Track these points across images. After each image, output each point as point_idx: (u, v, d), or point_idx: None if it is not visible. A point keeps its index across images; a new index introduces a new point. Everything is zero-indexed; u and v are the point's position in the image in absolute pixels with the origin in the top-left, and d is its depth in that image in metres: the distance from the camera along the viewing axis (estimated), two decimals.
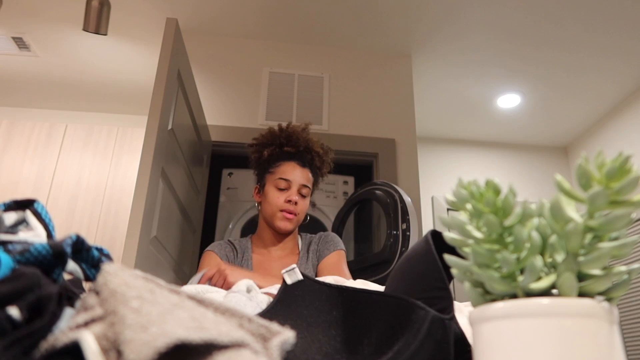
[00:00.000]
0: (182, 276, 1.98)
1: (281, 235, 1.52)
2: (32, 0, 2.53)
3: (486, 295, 0.36)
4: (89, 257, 0.39)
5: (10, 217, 0.39)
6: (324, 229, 2.54)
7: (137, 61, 3.01)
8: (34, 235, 0.39)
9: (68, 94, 3.39)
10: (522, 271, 0.34)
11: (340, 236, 2.32)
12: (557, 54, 2.86)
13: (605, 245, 0.32)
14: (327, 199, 2.60)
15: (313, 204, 1.59)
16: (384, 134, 2.68)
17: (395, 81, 2.85)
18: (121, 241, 2.73)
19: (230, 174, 2.64)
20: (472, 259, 0.36)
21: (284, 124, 1.62)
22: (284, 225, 1.46)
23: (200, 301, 0.32)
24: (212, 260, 1.41)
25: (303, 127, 1.61)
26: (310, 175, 1.54)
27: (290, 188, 1.48)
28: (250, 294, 0.66)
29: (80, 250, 0.38)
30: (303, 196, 1.50)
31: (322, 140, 1.67)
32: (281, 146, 1.56)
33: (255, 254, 1.50)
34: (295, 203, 1.47)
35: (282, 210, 1.46)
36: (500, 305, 0.33)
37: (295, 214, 1.47)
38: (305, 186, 1.50)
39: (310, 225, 2.56)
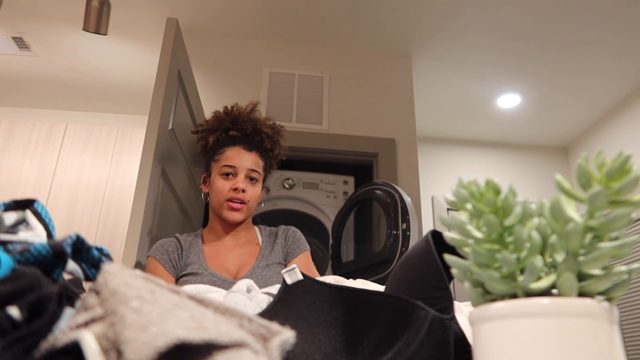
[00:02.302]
0: None
1: (233, 225, 1.41)
2: (32, 0, 2.53)
3: (486, 295, 0.36)
4: (89, 257, 0.39)
5: (10, 217, 0.39)
6: (324, 229, 2.53)
7: (137, 61, 3.00)
8: (34, 235, 0.39)
9: (68, 94, 3.39)
10: (522, 271, 0.34)
11: (340, 236, 2.32)
12: (558, 53, 2.86)
13: (605, 245, 0.32)
14: (327, 199, 2.60)
15: (267, 190, 1.53)
16: (384, 134, 2.68)
17: (395, 81, 2.85)
18: (121, 241, 2.73)
19: None
20: (472, 259, 0.36)
21: (229, 106, 1.51)
22: (232, 216, 1.35)
23: (201, 301, 0.32)
24: (157, 270, 1.30)
25: (250, 108, 1.51)
26: (259, 158, 1.43)
27: (237, 175, 1.37)
28: (250, 294, 0.66)
29: (81, 250, 0.38)
30: (252, 182, 1.39)
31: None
32: (227, 130, 1.45)
33: (207, 246, 1.39)
34: (243, 190, 1.35)
35: (228, 200, 1.35)
36: (500, 305, 0.33)
37: (244, 202, 1.36)
38: (253, 170, 1.39)
39: (311, 225, 2.56)
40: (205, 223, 2.44)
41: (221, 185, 1.36)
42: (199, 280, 1.27)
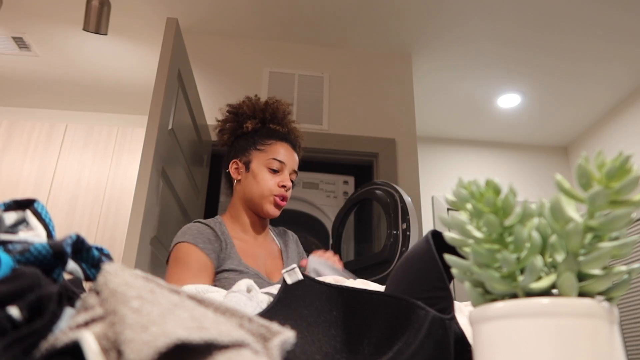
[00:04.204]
0: None
1: (263, 220, 1.37)
2: (32, 0, 2.53)
3: (486, 295, 0.36)
4: (89, 257, 0.39)
5: (11, 217, 0.39)
6: (324, 229, 2.53)
7: (137, 61, 3.00)
8: (34, 235, 0.39)
9: (68, 94, 3.39)
10: (522, 271, 0.34)
11: (340, 236, 2.32)
12: (558, 53, 2.86)
13: (605, 245, 0.32)
14: (327, 199, 2.60)
15: None
16: (384, 134, 2.68)
17: (395, 81, 2.85)
18: (121, 241, 2.73)
19: None
20: (472, 258, 0.36)
21: (270, 99, 1.46)
22: (273, 211, 1.31)
23: (201, 301, 0.32)
24: (200, 260, 1.17)
25: (288, 105, 1.47)
26: (298, 161, 1.41)
27: (283, 171, 1.34)
28: (250, 294, 0.66)
29: (81, 250, 0.38)
30: (291, 183, 1.37)
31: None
32: (265, 122, 1.41)
33: (236, 240, 1.30)
34: (289, 189, 1.33)
35: (275, 195, 1.31)
36: (500, 305, 0.33)
37: (286, 200, 1.33)
38: (295, 172, 1.38)
39: (311, 225, 2.56)
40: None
41: (269, 179, 1.31)
42: (242, 279, 1.21)
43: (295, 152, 1.40)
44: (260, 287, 1.19)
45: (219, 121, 1.47)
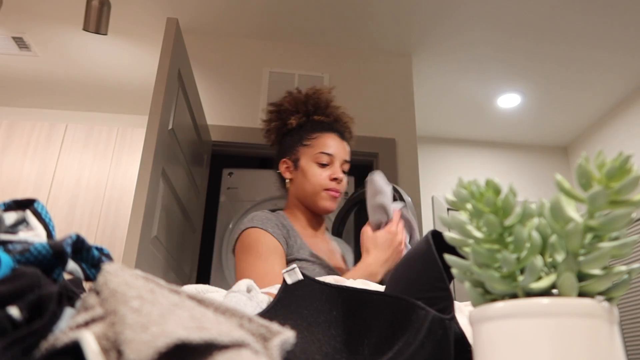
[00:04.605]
0: (182, 276, 1.98)
1: (319, 217, 1.35)
2: (32, 0, 2.53)
3: (486, 295, 0.36)
4: (89, 257, 0.39)
5: (10, 217, 0.39)
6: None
7: (138, 61, 3.01)
8: (34, 235, 0.39)
9: (68, 94, 3.39)
10: (522, 271, 0.34)
11: (340, 236, 2.32)
12: (558, 53, 2.86)
13: (605, 245, 0.32)
14: None
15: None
16: (384, 133, 2.68)
17: (395, 81, 2.85)
18: (121, 241, 2.73)
19: (230, 174, 2.64)
20: (472, 258, 0.36)
21: (309, 89, 1.41)
22: (329, 205, 1.28)
23: (201, 301, 0.32)
24: (271, 245, 1.16)
25: (329, 91, 1.42)
26: (349, 149, 1.35)
27: (333, 163, 1.29)
28: (251, 294, 0.66)
29: (81, 250, 0.38)
30: (344, 173, 1.32)
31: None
32: (308, 114, 1.37)
33: (301, 234, 1.28)
34: (341, 181, 1.29)
35: (327, 190, 1.27)
36: (500, 305, 0.33)
37: (340, 193, 1.29)
38: (347, 162, 1.32)
39: None
40: (204, 224, 2.45)
41: (318, 174, 1.28)
42: (317, 270, 1.18)
43: (344, 140, 1.34)
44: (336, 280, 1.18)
45: (264, 121, 1.45)
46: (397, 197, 2.03)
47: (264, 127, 1.45)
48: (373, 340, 0.46)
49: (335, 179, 1.28)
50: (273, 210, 1.35)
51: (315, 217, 1.35)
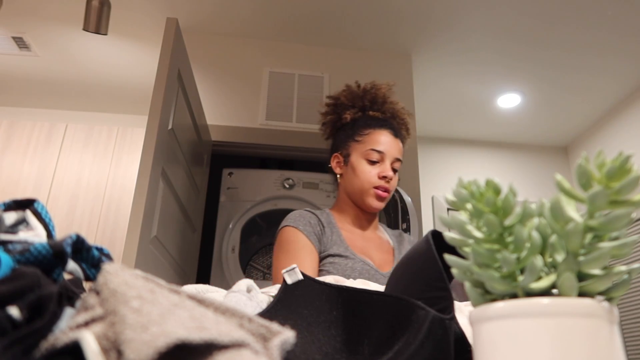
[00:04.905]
0: (182, 276, 1.98)
1: (368, 214, 1.33)
2: (32, 0, 2.53)
3: (486, 295, 0.36)
4: (89, 257, 0.39)
5: (10, 217, 0.39)
6: None
7: (137, 61, 3.00)
8: (34, 235, 0.39)
9: (68, 94, 3.39)
10: (522, 271, 0.34)
11: None
12: (558, 53, 2.86)
13: (605, 245, 0.32)
14: (327, 199, 2.60)
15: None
16: None
17: (395, 81, 2.84)
18: (121, 241, 2.73)
19: (230, 174, 2.64)
20: (472, 258, 0.36)
21: (367, 84, 1.39)
22: (376, 204, 1.26)
23: (201, 301, 0.32)
24: (300, 242, 1.18)
25: (388, 87, 1.40)
26: (401, 146, 1.33)
27: (384, 161, 1.27)
28: (251, 294, 0.66)
29: (81, 250, 0.38)
30: (395, 171, 1.29)
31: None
32: (364, 110, 1.35)
33: (344, 231, 1.28)
34: (390, 179, 1.26)
35: (375, 187, 1.25)
36: (500, 305, 0.33)
37: (388, 192, 1.27)
38: (398, 160, 1.29)
39: None
40: (204, 224, 2.45)
41: (367, 171, 1.26)
42: (349, 265, 1.18)
43: (397, 138, 1.32)
44: (370, 275, 1.16)
45: (321, 114, 1.44)
46: (397, 197, 2.04)
47: (320, 120, 1.44)
48: (373, 340, 0.46)
49: (384, 177, 1.26)
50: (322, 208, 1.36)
51: (364, 213, 1.33)
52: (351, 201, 1.32)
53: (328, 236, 1.23)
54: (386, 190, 1.26)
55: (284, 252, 1.19)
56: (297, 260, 1.14)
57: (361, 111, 1.36)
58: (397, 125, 1.36)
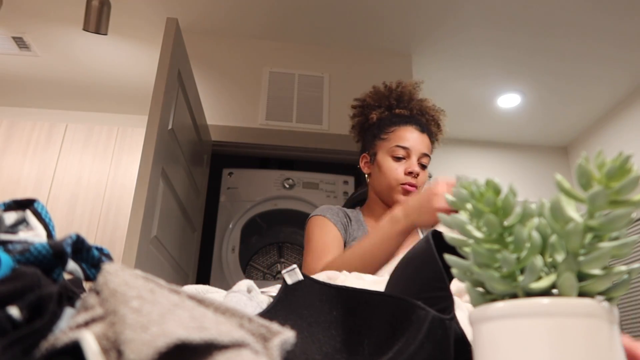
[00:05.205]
0: (182, 276, 1.98)
1: None
2: (32, 0, 2.53)
3: (486, 295, 0.36)
4: (89, 257, 0.39)
5: (10, 217, 0.39)
6: None
7: (137, 61, 3.01)
8: (34, 235, 0.39)
9: (68, 94, 3.39)
10: (522, 271, 0.34)
11: None
12: (558, 53, 2.86)
13: (605, 245, 0.32)
14: (327, 199, 2.60)
15: (429, 176, 1.40)
16: None
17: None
18: (121, 241, 2.73)
19: (230, 174, 2.64)
20: (472, 258, 0.36)
21: (393, 83, 1.40)
22: (404, 200, 1.22)
23: (201, 301, 0.32)
24: (327, 226, 1.20)
25: (414, 85, 1.39)
26: (429, 142, 1.32)
27: (410, 157, 1.26)
28: (251, 294, 0.66)
29: (81, 250, 0.38)
30: (423, 167, 1.28)
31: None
32: (391, 108, 1.35)
33: (371, 228, 1.28)
34: (417, 175, 1.25)
35: (402, 184, 1.24)
36: (500, 305, 0.33)
37: (416, 187, 1.25)
38: (425, 155, 1.29)
39: None
40: (204, 224, 2.45)
41: (393, 168, 1.25)
42: None
43: (424, 133, 1.30)
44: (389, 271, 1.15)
45: (350, 117, 1.45)
46: None
47: (350, 123, 1.46)
48: (373, 340, 0.46)
49: (410, 173, 1.25)
50: (352, 207, 1.38)
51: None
52: (380, 200, 1.31)
53: (354, 229, 1.24)
54: (413, 185, 1.25)
55: (311, 241, 1.19)
56: (322, 240, 1.16)
57: (387, 110, 1.36)
58: (426, 122, 1.35)
